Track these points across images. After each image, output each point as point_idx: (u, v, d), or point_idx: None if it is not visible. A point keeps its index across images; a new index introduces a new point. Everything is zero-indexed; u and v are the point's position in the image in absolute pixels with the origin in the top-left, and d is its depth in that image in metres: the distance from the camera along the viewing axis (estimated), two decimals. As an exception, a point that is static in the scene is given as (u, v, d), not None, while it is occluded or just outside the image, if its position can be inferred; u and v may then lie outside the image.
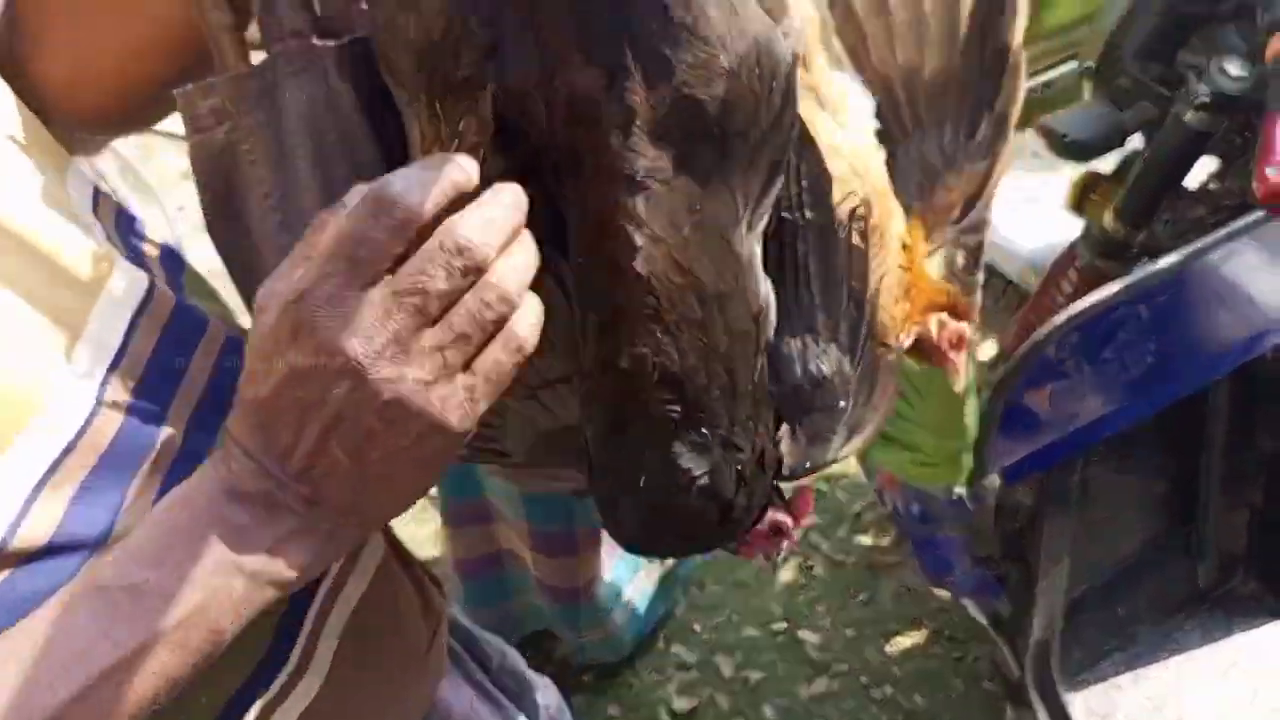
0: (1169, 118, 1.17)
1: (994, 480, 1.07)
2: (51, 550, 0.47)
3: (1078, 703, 1.47)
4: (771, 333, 0.52)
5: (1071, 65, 1.37)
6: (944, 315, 0.62)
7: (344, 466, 0.44)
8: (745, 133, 0.46)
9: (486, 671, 0.86)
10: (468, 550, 1.80)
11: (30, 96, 0.57)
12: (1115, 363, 1.06)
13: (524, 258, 0.45)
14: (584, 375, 0.50)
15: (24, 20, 0.57)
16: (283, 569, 0.45)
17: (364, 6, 0.49)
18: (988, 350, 1.81)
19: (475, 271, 0.43)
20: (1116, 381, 1.09)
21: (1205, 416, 1.47)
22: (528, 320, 0.45)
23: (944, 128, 0.60)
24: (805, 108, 0.51)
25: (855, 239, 0.56)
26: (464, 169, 0.44)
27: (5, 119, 0.54)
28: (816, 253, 0.54)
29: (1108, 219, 1.29)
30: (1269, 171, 0.76)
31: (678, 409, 0.48)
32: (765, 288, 0.50)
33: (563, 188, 0.47)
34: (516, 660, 0.91)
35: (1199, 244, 1.02)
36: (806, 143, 0.52)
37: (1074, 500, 1.21)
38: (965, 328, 0.62)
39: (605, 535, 1.72)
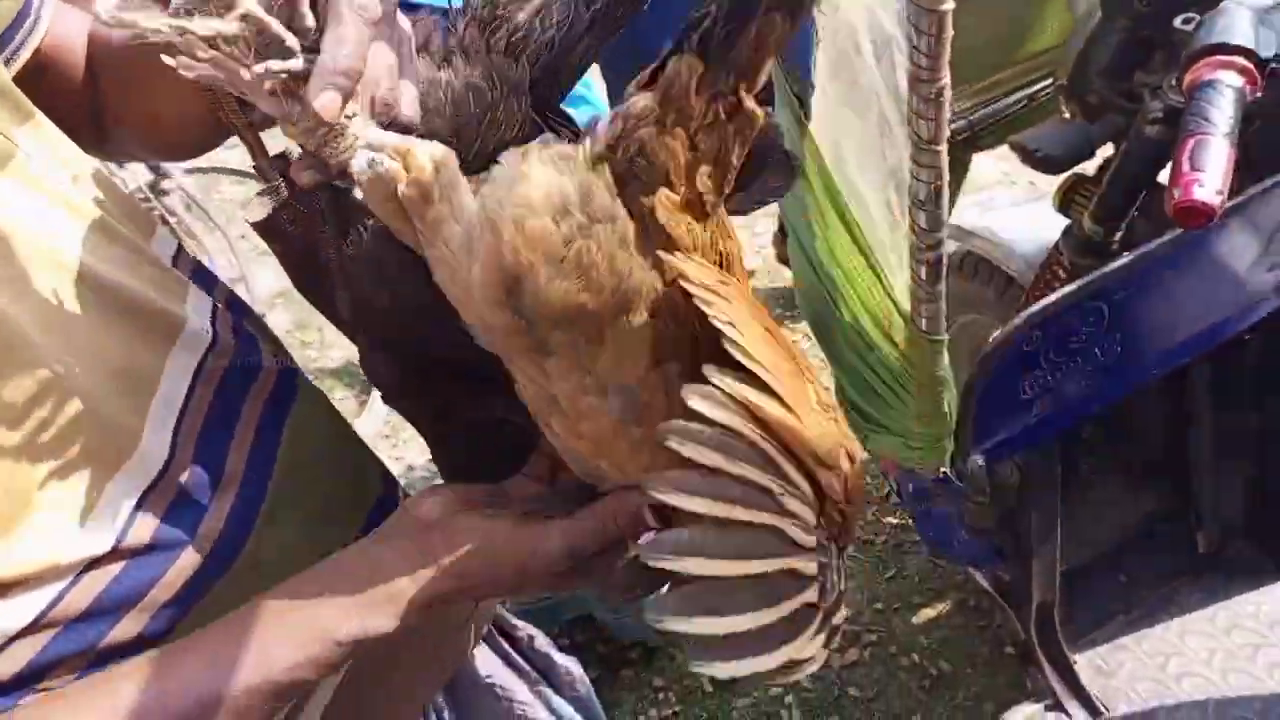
0: (1132, 130, 1.30)
1: (976, 460, 1.21)
2: (152, 548, 0.64)
3: (1083, 661, 1.61)
4: None
5: (1048, 82, 1.50)
6: None
7: None
8: None
9: (516, 648, 1.02)
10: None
11: (110, 147, 0.78)
12: (1082, 353, 1.20)
13: None
14: None
15: (106, 95, 0.77)
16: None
17: None
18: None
19: None
20: (1085, 370, 1.22)
21: (1190, 388, 1.59)
22: None
23: None
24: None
25: None
26: None
27: (102, 192, 0.70)
28: None
29: (1086, 220, 1.42)
30: (1175, 192, 0.89)
31: None
32: None
33: None
34: (546, 644, 1.06)
35: (1149, 246, 1.15)
36: None
37: (1057, 477, 1.34)
38: None
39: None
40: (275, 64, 0.47)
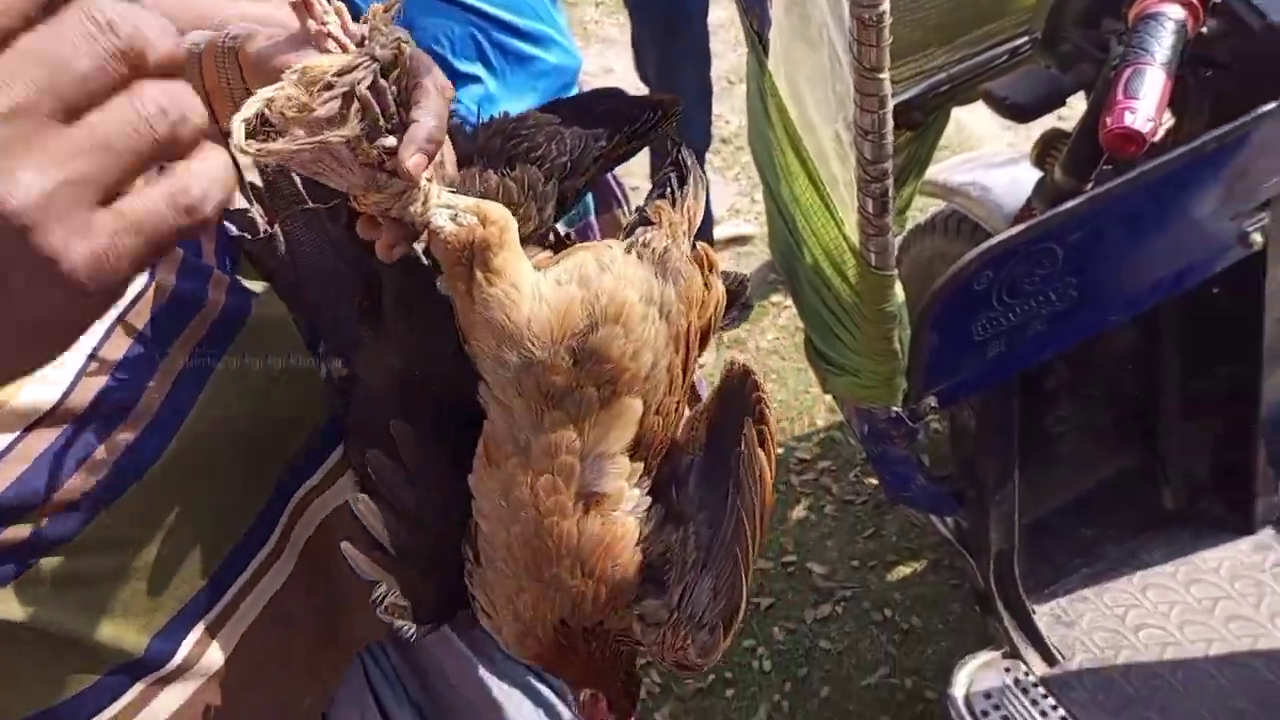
0: (1099, 78, 1.30)
1: (929, 401, 1.22)
2: (89, 419, 0.65)
3: (1043, 611, 1.63)
4: None
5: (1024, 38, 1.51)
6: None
7: None
8: None
9: None
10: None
11: None
12: (1036, 296, 1.21)
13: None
14: None
15: None
16: None
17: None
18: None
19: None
20: (1040, 313, 1.23)
21: (1158, 347, 1.60)
22: (207, 177, 0.35)
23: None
24: None
25: None
26: None
27: None
28: None
29: (1057, 172, 1.43)
30: (1107, 119, 0.90)
31: None
32: None
33: None
34: None
35: (1101, 188, 1.16)
36: None
37: (1014, 424, 1.36)
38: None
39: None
40: (384, 140, 0.54)
